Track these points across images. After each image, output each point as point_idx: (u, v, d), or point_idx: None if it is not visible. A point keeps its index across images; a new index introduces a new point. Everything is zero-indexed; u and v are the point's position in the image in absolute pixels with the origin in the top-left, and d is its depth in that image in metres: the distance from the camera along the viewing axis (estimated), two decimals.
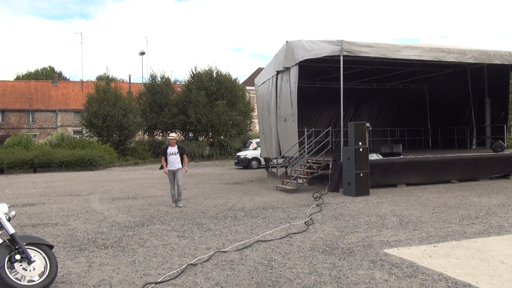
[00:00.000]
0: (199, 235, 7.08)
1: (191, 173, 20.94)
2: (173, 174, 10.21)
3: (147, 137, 36.56)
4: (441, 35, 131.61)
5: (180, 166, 10.25)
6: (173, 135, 10.82)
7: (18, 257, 4.47)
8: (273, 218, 8.37)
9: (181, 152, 10.26)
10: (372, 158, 12.03)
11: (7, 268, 4.39)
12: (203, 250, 6.12)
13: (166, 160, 10.23)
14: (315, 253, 5.82)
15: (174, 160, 10.15)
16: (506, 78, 16.24)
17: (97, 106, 29.90)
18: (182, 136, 34.92)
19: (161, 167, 10.67)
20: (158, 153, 32.28)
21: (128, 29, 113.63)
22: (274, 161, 17.15)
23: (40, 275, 4.56)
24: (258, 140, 23.33)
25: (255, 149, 24.25)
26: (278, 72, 15.05)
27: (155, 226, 7.97)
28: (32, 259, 4.54)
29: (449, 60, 13.62)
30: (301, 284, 4.64)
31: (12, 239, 4.54)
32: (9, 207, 4.85)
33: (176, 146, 10.28)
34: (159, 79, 34.92)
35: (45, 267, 4.63)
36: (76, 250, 6.34)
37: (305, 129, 13.79)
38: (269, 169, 19.11)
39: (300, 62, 13.20)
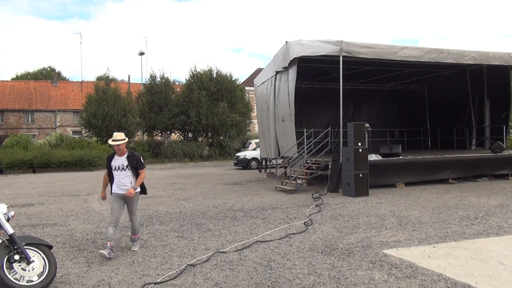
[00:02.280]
0: (198, 236, 7.08)
1: (190, 173, 20.94)
2: (120, 200, 6.18)
3: (146, 137, 36.55)
4: (440, 36, 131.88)
5: (133, 186, 6.19)
6: (119, 136, 6.16)
7: (17, 257, 4.47)
8: (272, 219, 8.37)
9: (134, 165, 6.18)
10: (371, 159, 12.05)
11: (6, 268, 4.39)
12: (202, 251, 6.11)
13: (110, 177, 6.30)
14: (314, 253, 5.82)
15: (122, 178, 6.14)
16: (506, 79, 16.28)
17: (96, 106, 29.91)
18: (181, 137, 34.89)
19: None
20: (157, 153, 32.24)
21: (128, 29, 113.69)
22: (273, 161, 17.16)
23: (39, 275, 4.56)
24: (257, 140, 23.34)
25: (254, 149, 24.26)
26: (277, 73, 15.06)
27: (154, 226, 7.97)
28: (31, 259, 4.54)
29: (448, 61, 13.66)
30: (300, 284, 4.64)
31: (11, 239, 4.54)
32: (8, 207, 4.84)
33: (126, 156, 6.18)
34: (158, 79, 34.92)
35: (44, 267, 4.63)
36: (75, 250, 6.34)
37: (305, 130, 13.80)
38: (266, 170, 19.12)
39: (299, 62, 13.20)
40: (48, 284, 4.58)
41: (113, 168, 6.20)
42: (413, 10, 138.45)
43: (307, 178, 12.97)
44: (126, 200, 6.24)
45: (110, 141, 6.17)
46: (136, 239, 6.49)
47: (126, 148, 6.25)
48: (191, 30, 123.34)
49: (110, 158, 6.28)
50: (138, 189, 6.29)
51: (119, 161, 6.18)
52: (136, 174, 6.24)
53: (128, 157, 6.19)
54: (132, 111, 31.19)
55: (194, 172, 21.98)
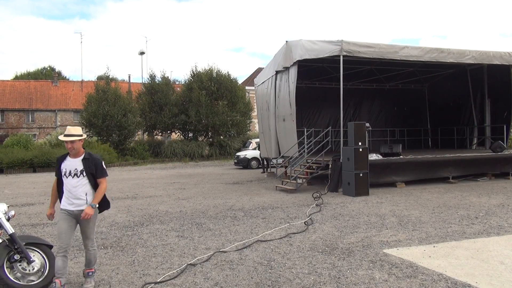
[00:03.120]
0: (199, 235, 7.07)
1: (191, 173, 20.94)
2: (70, 219, 4.60)
3: (147, 137, 36.55)
4: (440, 36, 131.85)
5: (91, 203, 4.60)
6: (74, 130, 4.69)
7: (17, 257, 4.46)
8: (273, 218, 8.37)
9: (92, 171, 4.65)
10: (371, 158, 12.04)
11: (6, 268, 4.39)
12: (202, 250, 6.11)
13: (59, 187, 4.71)
14: (314, 253, 5.82)
15: (75, 187, 4.59)
16: (507, 78, 16.28)
17: (97, 106, 29.89)
18: (181, 136, 34.86)
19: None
20: (157, 153, 32.23)
21: (128, 29, 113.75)
22: (274, 161, 17.17)
23: (39, 275, 4.55)
24: (257, 140, 23.33)
25: (254, 149, 24.24)
26: (277, 72, 15.06)
27: (155, 226, 7.97)
28: (31, 259, 4.53)
29: (449, 61, 13.65)
30: (301, 284, 4.64)
31: (12, 239, 4.54)
32: (8, 206, 4.84)
33: (82, 158, 4.67)
34: (159, 78, 34.92)
35: (44, 267, 4.63)
36: (76, 250, 6.33)
37: (305, 129, 13.80)
38: (266, 169, 19.13)
39: (300, 62, 13.23)
40: (48, 284, 4.58)
41: (63, 173, 4.61)
42: (413, 10, 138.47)
43: (308, 177, 12.97)
44: (79, 219, 4.58)
45: (61, 137, 4.70)
46: (90, 273, 4.73)
47: (84, 148, 4.79)
48: (192, 30, 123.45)
49: (60, 160, 4.70)
50: (96, 206, 4.65)
51: (72, 164, 4.61)
52: (95, 184, 4.66)
53: (84, 160, 4.63)
54: (132, 110, 31.17)
55: (194, 171, 21.97)
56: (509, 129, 16.66)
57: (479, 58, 13.87)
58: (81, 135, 4.65)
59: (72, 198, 4.58)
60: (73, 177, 4.58)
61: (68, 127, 4.73)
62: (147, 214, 9.23)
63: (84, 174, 4.60)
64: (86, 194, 4.61)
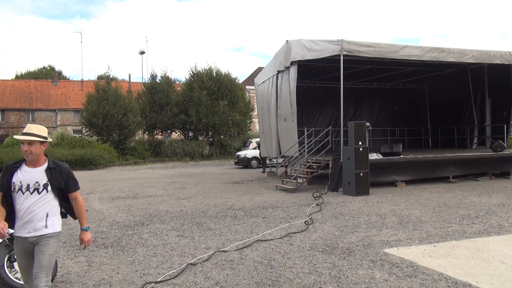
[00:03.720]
0: (199, 235, 7.07)
1: (191, 172, 20.94)
2: (29, 252, 3.50)
3: (147, 136, 36.55)
4: (441, 36, 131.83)
5: (53, 228, 3.58)
6: (35, 128, 3.45)
7: None
8: (273, 218, 8.37)
9: (60, 184, 3.54)
10: (372, 158, 12.04)
11: (7, 267, 4.40)
12: (203, 250, 6.11)
13: (8, 207, 3.46)
14: (315, 252, 5.82)
15: (33, 206, 3.42)
16: (507, 78, 16.27)
17: (97, 105, 29.90)
18: (182, 136, 34.86)
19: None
20: (158, 152, 32.24)
21: (129, 28, 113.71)
22: (274, 160, 17.18)
23: None
24: (258, 139, 23.33)
25: (255, 148, 24.24)
26: (278, 72, 15.06)
27: (155, 225, 7.97)
28: None
29: (449, 60, 13.64)
30: (301, 283, 4.64)
31: (12, 238, 4.53)
32: None
33: (46, 167, 3.49)
34: (159, 78, 34.91)
35: None
36: (76, 250, 6.34)
37: (305, 129, 13.80)
38: (266, 169, 19.13)
39: (300, 61, 13.23)
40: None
41: (15, 188, 3.40)
42: (413, 9, 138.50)
43: (308, 177, 12.96)
44: (37, 248, 3.42)
45: (17, 136, 3.61)
46: None
47: (46, 155, 3.57)
48: (192, 29, 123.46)
49: (10, 169, 3.45)
50: (58, 228, 3.61)
51: (32, 175, 3.42)
52: (60, 201, 3.61)
53: (49, 170, 3.48)
54: (133, 110, 31.17)
55: (194, 171, 21.98)
56: (509, 129, 16.65)
57: (479, 58, 13.87)
58: (45, 138, 3.46)
59: (30, 221, 3.41)
60: (32, 193, 3.39)
61: (28, 124, 3.56)
62: (147, 214, 9.23)
63: (49, 189, 3.46)
64: (47, 216, 3.46)
